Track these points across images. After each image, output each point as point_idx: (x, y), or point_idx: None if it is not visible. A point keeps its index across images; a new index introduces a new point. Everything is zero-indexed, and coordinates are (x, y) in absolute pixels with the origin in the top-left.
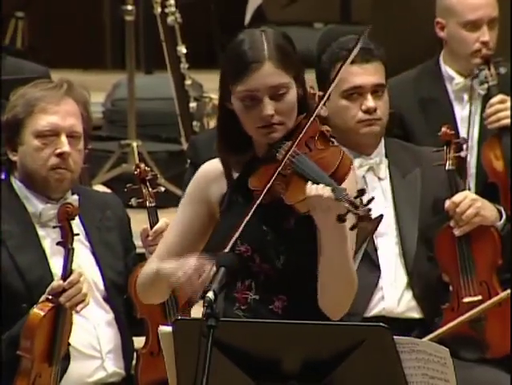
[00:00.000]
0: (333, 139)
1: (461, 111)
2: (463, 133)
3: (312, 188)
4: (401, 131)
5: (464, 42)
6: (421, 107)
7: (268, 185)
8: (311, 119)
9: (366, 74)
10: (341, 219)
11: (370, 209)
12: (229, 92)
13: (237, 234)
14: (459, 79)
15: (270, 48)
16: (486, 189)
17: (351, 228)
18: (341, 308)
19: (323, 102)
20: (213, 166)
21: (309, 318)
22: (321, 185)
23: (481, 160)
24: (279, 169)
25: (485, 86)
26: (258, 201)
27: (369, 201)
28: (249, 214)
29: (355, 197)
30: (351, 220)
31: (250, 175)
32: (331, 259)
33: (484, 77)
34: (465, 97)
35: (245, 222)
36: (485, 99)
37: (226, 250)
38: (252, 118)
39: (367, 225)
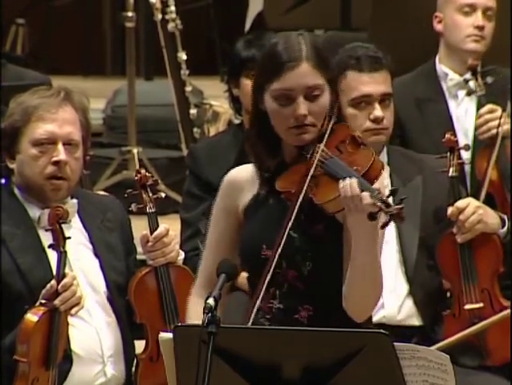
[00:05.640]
0: (364, 144)
1: (456, 108)
2: (459, 130)
3: (346, 186)
4: (399, 131)
5: (458, 27)
6: (417, 107)
7: (304, 188)
8: (331, 122)
9: (374, 83)
10: (372, 217)
11: (402, 208)
12: (263, 92)
13: (282, 242)
14: (453, 75)
15: (308, 49)
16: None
17: (382, 227)
18: (367, 310)
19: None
20: (243, 172)
21: (335, 327)
22: (354, 182)
23: (474, 169)
24: (312, 171)
25: (473, 96)
26: (297, 204)
27: (401, 200)
28: (292, 219)
29: (387, 196)
30: (382, 219)
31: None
32: (360, 260)
33: (472, 87)
34: (460, 94)
35: (289, 227)
36: (477, 107)
37: (272, 264)
38: (284, 117)
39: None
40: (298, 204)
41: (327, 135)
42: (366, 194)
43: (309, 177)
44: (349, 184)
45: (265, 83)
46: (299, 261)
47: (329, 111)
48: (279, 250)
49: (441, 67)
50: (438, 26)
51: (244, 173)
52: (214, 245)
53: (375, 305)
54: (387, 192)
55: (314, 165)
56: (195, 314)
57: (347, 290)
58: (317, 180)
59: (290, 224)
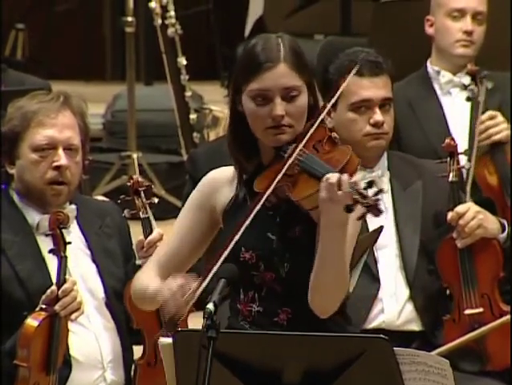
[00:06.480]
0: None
1: (449, 105)
2: (453, 127)
3: (327, 177)
4: (396, 134)
5: (448, 32)
6: (409, 107)
7: (273, 185)
8: (318, 120)
9: (375, 88)
10: (349, 209)
11: (378, 199)
12: (241, 94)
13: (239, 234)
14: (445, 73)
15: (286, 50)
16: (481, 204)
17: (359, 218)
18: (331, 305)
19: (329, 105)
20: (220, 173)
21: (314, 329)
22: (335, 175)
23: (474, 175)
24: (285, 168)
25: (473, 101)
26: (261, 202)
27: (378, 192)
28: (253, 213)
29: (365, 188)
30: (358, 211)
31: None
32: (329, 257)
33: (471, 93)
34: (453, 91)
35: (247, 223)
36: (473, 114)
37: (227, 251)
38: (261, 118)
39: (371, 236)
40: (262, 201)
41: (308, 137)
42: (345, 183)
43: (281, 174)
44: (328, 177)
45: (242, 83)
46: (277, 262)
47: (309, 113)
48: (233, 242)
49: (433, 68)
50: (430, 30)
51: (224, 174)
52: (183, 233)
53: (339, 301)
54: (363, 185)
55: (289, 163)
56: (150, 279)
57: (313, 282)
58: (294, 178)
59: (249, 218)
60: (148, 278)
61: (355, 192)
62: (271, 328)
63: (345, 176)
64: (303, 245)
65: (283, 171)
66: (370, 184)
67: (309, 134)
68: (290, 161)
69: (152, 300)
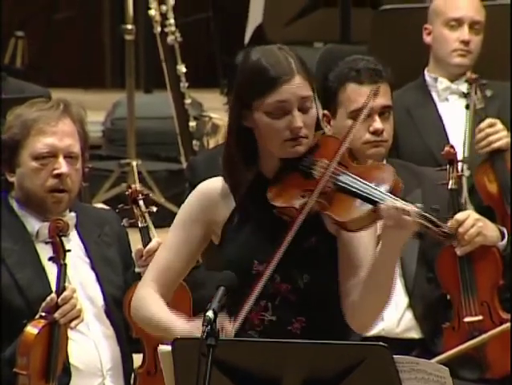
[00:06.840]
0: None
1: (447, 112)
2: (450, 133)
3: (394, 203)
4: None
5: (445, 41)
6: (407, 113)
7: (309, 205)
8: (349, 136)
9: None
10: (421, 236)
11: (452, 228)
12: (248, 109)
13: (275, 260)
14: (442, 79)
15: (296, 62)
16: (481, 212)
17: (437, 244)
18: (374, 323)
19: (359, 121)
20: (216, 185)
21: (328, 338)
22: (400, 201)
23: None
24: (320, 187)
25: (471, 110)
26: (300, 219)
27: (446, 219)
28: (293, 233)
29: (432, 215)
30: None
31: (263, 191)
32: (382, 277)
33: (470, 101)
34: (450, 98)
35: (285, 245)
36: (471, 122)
37: (264, 278)
38: (279, 131)
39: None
40: (302, 219)
41: (341, 151)
42: (413, 212)
43: (317, 193)
44: (393, 204)
45: (253, 99)
46: (295, 274)
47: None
48: (273, 264)
49: (430, 75)
50: (427, 39)
51: (217, 185)
52: (179, 245)
53: (380, 317)
54: (430, 211)
55: (325, 181)
56: (159, 307)
57: (360, 300)
58: (329, 196)
59: (289, 238)
60: (153, 302)
61: (425, 219)
62: (285, 337)
63: (411, 204)
64: (321, 255)
65: (319, 189)
66: (436, 211)
67: (342, 150)
68: (325, 180)
69: (162, 331)
